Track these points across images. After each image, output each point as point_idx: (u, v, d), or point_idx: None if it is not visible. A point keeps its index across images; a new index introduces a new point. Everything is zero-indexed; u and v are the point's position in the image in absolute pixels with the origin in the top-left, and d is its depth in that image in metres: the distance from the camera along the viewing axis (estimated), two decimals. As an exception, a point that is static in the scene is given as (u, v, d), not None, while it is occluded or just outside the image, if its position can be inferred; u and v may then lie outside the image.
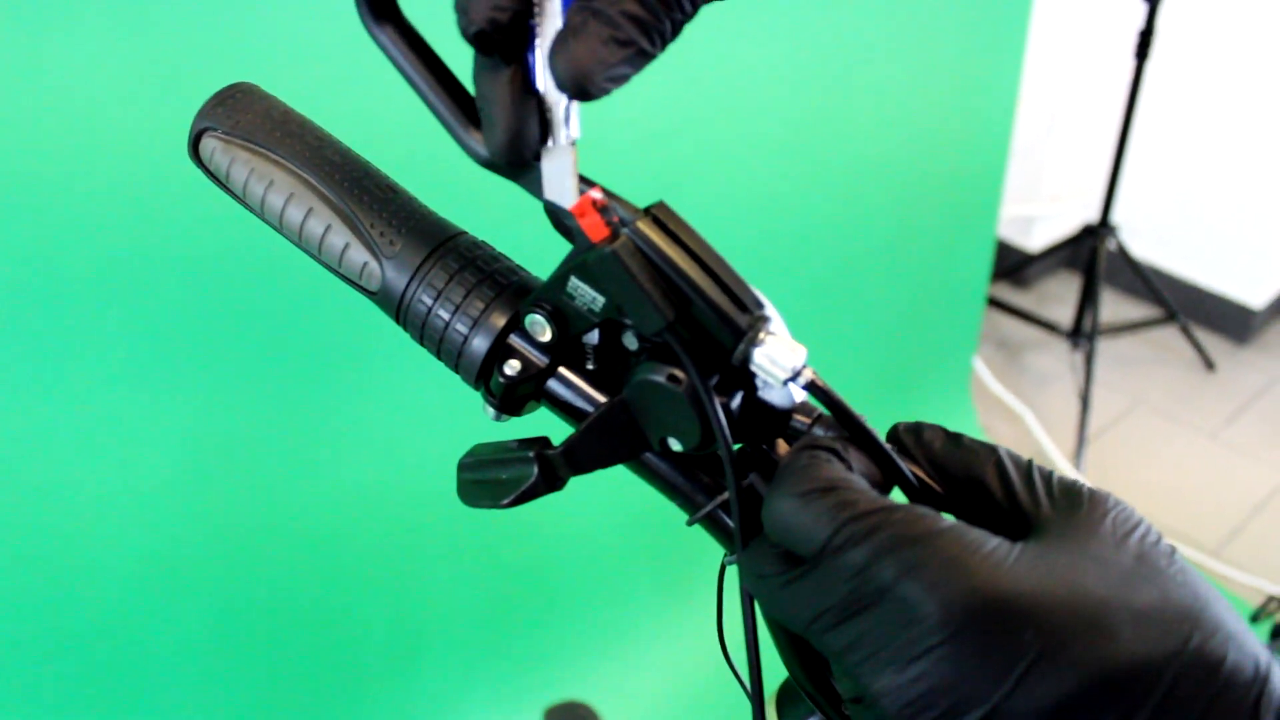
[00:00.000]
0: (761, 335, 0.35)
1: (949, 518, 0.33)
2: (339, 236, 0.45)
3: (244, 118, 0.47)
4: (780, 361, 0.35)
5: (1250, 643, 0.32)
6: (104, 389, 1.08)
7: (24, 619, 1.11)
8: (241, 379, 1.17)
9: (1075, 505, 0.34)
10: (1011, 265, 2.76)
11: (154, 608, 1.19)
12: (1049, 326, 2.55)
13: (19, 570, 1.10)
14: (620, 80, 0.33)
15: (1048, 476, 0.36)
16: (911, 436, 0.38)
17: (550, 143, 0.36)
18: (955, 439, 0.38)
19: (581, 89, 0.33)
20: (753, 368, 0.35)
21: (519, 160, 0.37)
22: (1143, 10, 2.19)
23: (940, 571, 0.31)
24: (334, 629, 1.36)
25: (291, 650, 1.33)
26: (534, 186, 0.38)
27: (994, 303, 2.62)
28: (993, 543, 0.32)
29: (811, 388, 0.36)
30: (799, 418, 0.38)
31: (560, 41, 0.33)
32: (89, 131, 0.99)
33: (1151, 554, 0.33)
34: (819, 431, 0.37)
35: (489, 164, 0.39)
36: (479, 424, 0.44)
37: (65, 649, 1.15)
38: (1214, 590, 0.33)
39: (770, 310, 0.36)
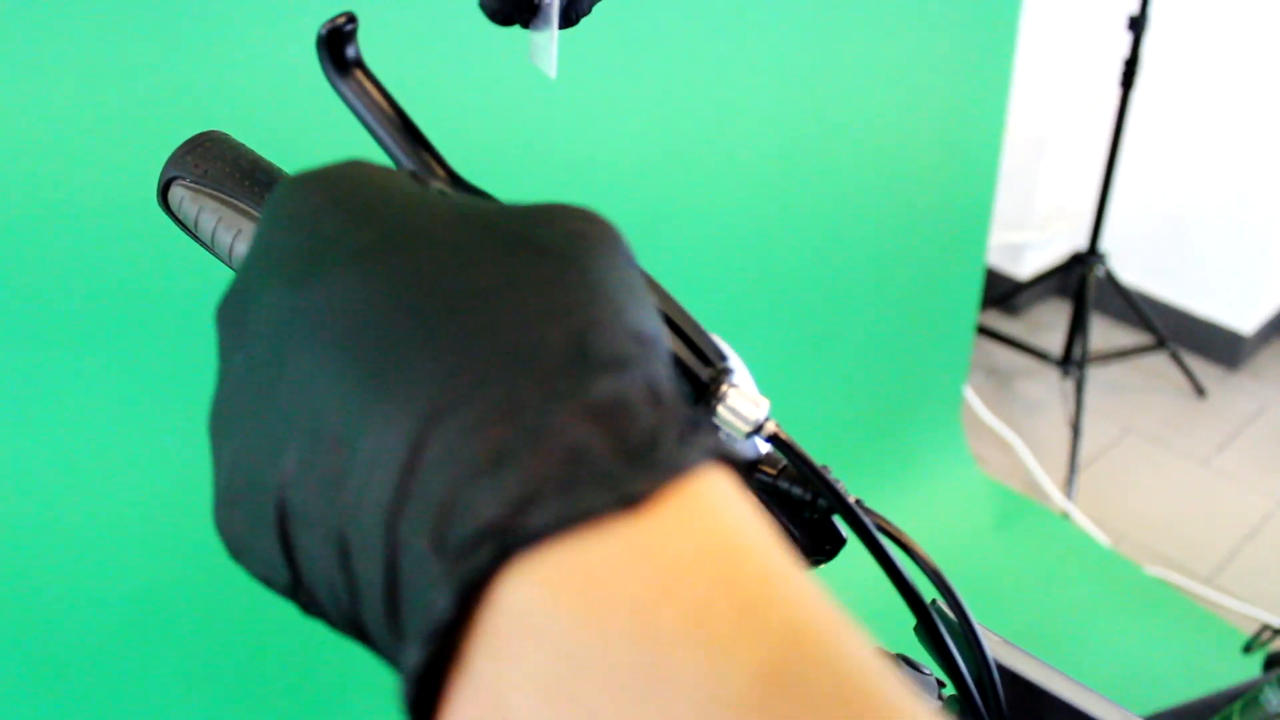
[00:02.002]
0: (724, 389, 0.35)
1: None
2: None
3: (212, 166, 0.47)
4: (743, 415, 0.34)
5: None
6: (93, 410, 1.08)
7: (9, 642, 1.10)
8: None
9: None
10: (1001, 293, 2.77)
11: (143, 630, 1.19)
12: (1039, 354, 2.55)
13: (4, 594, 1.09)
14: None
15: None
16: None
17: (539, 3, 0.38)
18: None
19: None
20: (715, 421, 0.35)
21: (509, 11, 0.38)
22: (1127, 39, 2.21)
23: None
24: (325, 654, 1.35)
25: (283, 673, 1.32)
26: None
27: (984, 331, 2.62)
28: None
29: (775, 441, 0.35)
30: (764, 469, 0.38)
31: None
32: (77, 155, 0.99)
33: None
34: (783, 485, 0.37)
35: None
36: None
37: (55, 673, 1.14)
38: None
39: (734, 361, 0.36)
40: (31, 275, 1.00)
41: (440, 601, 0.20)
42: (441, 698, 0.21)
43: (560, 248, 0.25)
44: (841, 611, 0.21)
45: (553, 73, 0.38)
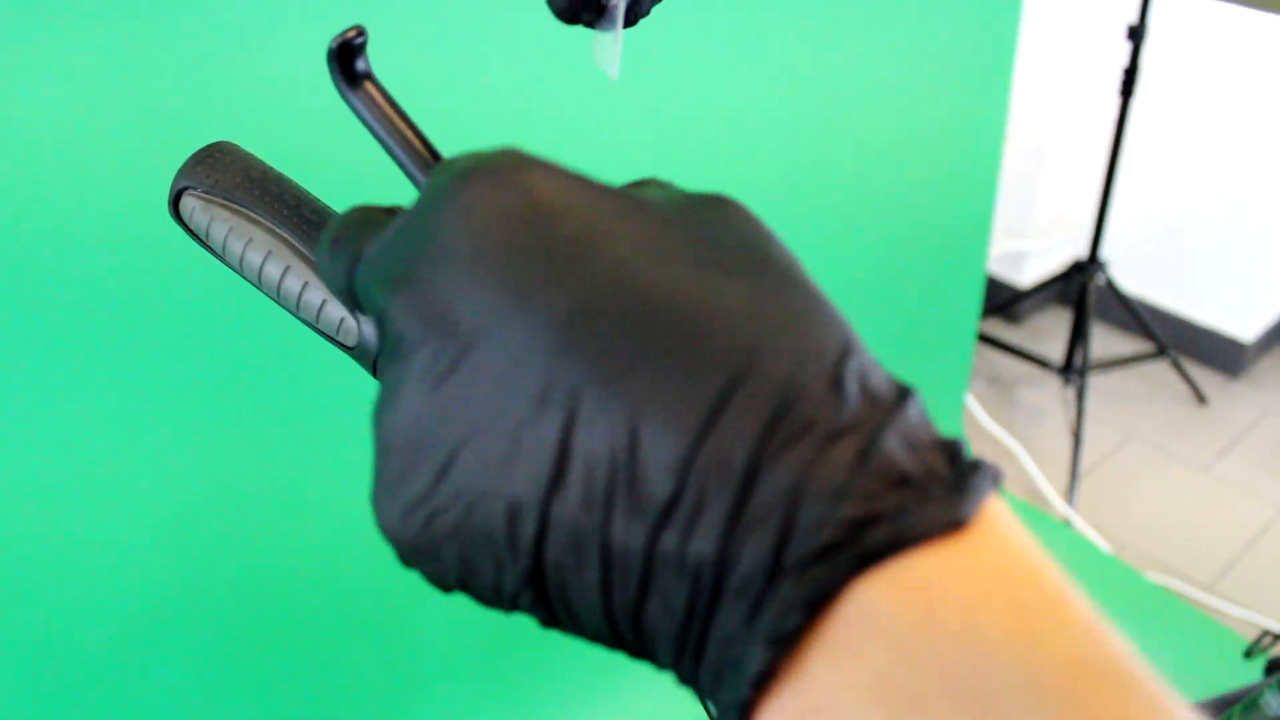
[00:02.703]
0: None
1: None
2: (316, 293, 0.45)
3: (223, 176, 0.48)
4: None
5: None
6: (95, 429, 1.08)
7: (12, 647, 1.11)
8: (233, 420, 1.17)
9: None
10: (1002, 301, 2.77)
11: (144, 654, 1.19)
12: (1040, 362, 2.56)
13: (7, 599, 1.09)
14: None
15: None
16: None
17: (606, 4, 0.39)
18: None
19: None
20: None
21: (576, 10, 0.39)
22: (1127, 48, 2.22)
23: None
24: (330, 671, 1.35)
25: (286, 694, 1.32)
26: None
27: (985, 339, 2.63)
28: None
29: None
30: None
31: None
32: (81, 174, 1.00)
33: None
34: None
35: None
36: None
37: (58, 678, 1.14)
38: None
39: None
40: (44, 282, 1.01)
41: (790, 612, 0.23)
42: (764, 693, 0.23)
43: (774, 260, 0.27)
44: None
45: (615, 74, 0.39)
